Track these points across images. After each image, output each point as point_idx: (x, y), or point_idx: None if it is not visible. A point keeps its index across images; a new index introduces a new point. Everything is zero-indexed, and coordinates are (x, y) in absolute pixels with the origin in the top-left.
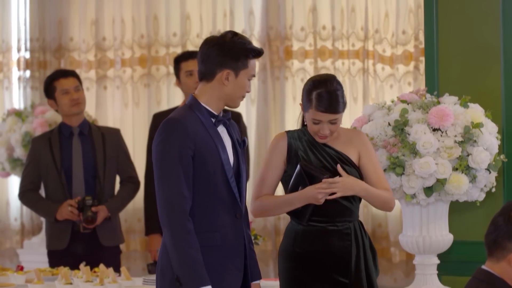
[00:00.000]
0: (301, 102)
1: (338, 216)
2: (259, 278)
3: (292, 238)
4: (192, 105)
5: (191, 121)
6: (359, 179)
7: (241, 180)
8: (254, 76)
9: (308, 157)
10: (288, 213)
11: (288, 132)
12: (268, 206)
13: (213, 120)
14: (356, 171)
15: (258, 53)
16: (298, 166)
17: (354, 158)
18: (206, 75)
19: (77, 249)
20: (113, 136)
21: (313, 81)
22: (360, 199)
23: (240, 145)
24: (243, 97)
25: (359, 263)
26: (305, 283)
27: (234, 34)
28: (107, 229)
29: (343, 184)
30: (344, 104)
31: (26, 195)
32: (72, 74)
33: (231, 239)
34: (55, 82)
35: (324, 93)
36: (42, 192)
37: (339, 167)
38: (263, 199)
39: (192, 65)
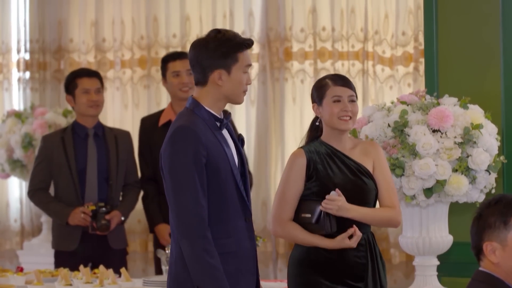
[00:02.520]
0: (313, 104)
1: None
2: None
3: (305, 248)
4: (195, 108)
5: (200, 127)
6: (358, 206)
7: (246, 181)
8: (250, 65)
9: (326, 170)
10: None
11: (304, 147)
12: (291, 238)
13: (218, 123)
14: (374, 183)
15: (246, 45)
16: (320, 207)
17: (371, 169)
18: (199, 80)
19: (87, 250)
20: (124, 139)
21: (322, 76)
22: (374, 206)
23: (240, 144)
24: (245, 91)
25: (375, 274)
26: (319, 286)
27: (217, 31)
28: (116, 232)
29: (340, 205)
30: (357, 94)
31: (37, 194)
32: (96, 75)
33: (244, 243)
34: (78, 79)
35: (336, 75)
36: (51, 191)
37: (337, 190)
38: (288, 230)
39: (179, 66)
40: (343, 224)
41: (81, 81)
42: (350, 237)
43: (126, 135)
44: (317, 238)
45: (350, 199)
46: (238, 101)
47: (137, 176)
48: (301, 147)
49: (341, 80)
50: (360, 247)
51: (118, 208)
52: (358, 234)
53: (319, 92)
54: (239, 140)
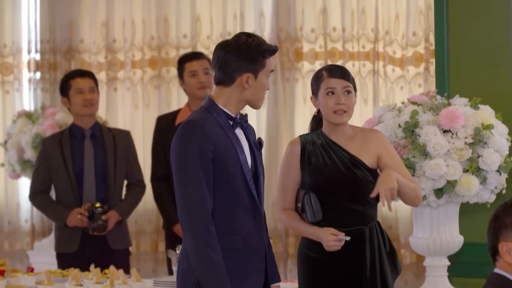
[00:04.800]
0: (311, 95)
1: (351, 222)
2: (279, 280)
3: (307, 241)
4: (209, 107)
5: (210, 122)
6: (394, 175)
7: (259, 182)
8: (272, 71)
9: (319, 162)
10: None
11: (301, 136)
12: (287, 225)
13: (231, 122)
14: (371, 175)
15: (273, 51)
16: (307, 194)
17: (369, 161)
18: (224, 81)
19: (87, 252)
20: (123, 139)
21: (320, 68)
22: (377, 200)
23: (257, 147)
24: (264, 96)
25: (374, 268)
26: (319, 285)
27: (247, 35)
28: (116, 232)
29: (383, 184)
30: (355, 82)
31: (37, 197)
32: (89, 74)
33: (252, 242)
34: (71, 80)
35: (333, 66)
36: (52, 193)
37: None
38: (285, 216)
39: (196, 66)
40: (331, 213)
41: (74, 81)
42: None
43: (126, 134)
44: (303, 226)
45: (343, 193)
46: (257, 106)
47: (140, 176)
48: (299, 136)
49: (336, 71)
50: (359, 241)
51: (115, 208)
52: (338, 243)
53: (315, 83)
54: (258, 143)
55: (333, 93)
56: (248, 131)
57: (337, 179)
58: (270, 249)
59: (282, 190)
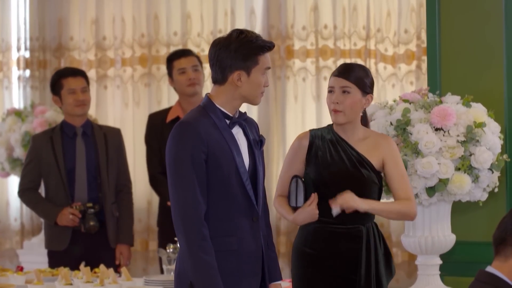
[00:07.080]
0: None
1: (350, 220)
2: (280, 279)
3: (303, 237)
4: (206, 106)
5: (204, 123)
6: (361, 198)
7: (258, 181)
8: (269, 68)
9: (326, 157)
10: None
11: (311, 130)
12: (277, 210)
13: (228, 121)
14: (376, 176)
15: (267, 48)
16: (294, 178)
17: (376, 163)
18: (218, 79)
19: (78, 250)
20: (114, 137)
21: None
22: (378, 199)
23: (257, 145)
24: (262, 93)
25: (370, 267)
26: (314, 282)
27: (239, 32)
28: (108, 231)
29: (342, 199)
30: (363, 82)
31: (26, 194)
32: (81, 74)
33: (248, 243)
34: (63, 79)
35: (343, 64)
36: (42, 190)
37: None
38: (277, 202)
39: (184, 63)
40: (331, 209)
41: (66, 81)
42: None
43: (116, 132)
44: (286, 211)
45: (346, 189)
46: (254, 102)
47: (128, 177)
48: (309, 130)
49: (339, 70)
50: (355, 239)
51: (122, 239)
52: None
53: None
54: (258, 142)
55: (331, 91)
56: (249, 128)
57: (342, 175)
58: (272, 248)
59: (281, 179)
